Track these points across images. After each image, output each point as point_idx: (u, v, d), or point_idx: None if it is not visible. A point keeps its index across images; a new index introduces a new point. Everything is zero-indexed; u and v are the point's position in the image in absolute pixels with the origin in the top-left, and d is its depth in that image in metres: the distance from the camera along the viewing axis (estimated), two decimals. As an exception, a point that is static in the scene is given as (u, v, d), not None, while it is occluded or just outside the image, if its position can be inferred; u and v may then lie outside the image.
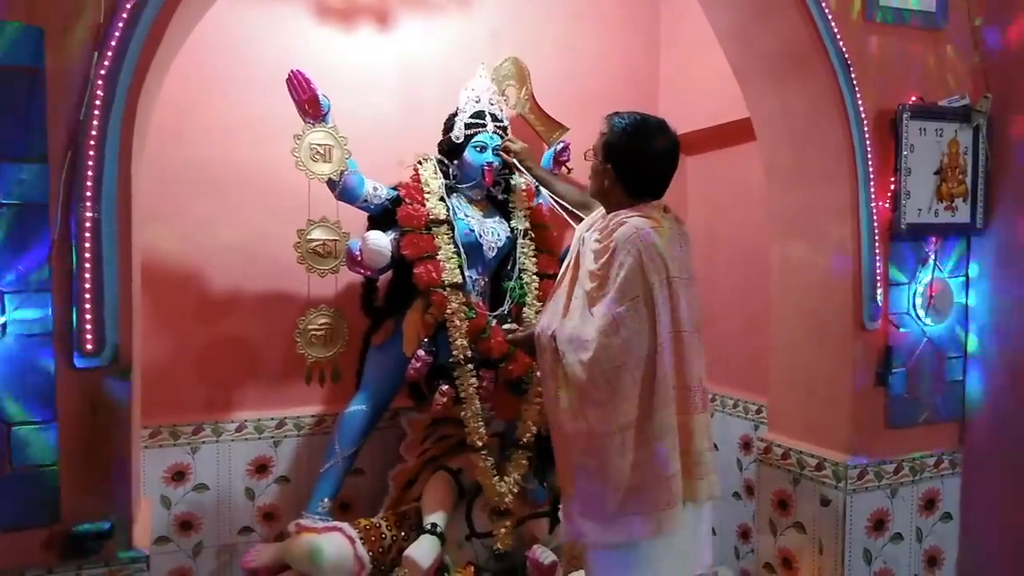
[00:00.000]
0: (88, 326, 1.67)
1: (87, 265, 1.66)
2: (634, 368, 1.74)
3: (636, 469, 1.74)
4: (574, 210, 2.49)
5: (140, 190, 1.99)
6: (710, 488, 1.85)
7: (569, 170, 2.95)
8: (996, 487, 2.49)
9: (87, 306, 1.67)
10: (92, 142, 1.66)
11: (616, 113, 1.95)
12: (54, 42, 1.65)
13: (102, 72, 1.67)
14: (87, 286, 1.66)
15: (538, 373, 2.55)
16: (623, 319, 1.74)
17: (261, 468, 2.81)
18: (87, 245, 1.66)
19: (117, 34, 1.68)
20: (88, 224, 1.66)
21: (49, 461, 1.68)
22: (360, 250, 2.49)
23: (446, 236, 2.57)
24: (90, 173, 1.66)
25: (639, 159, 1.90)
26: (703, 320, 1.94)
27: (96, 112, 1.66)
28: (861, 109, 2.34)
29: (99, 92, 1.66)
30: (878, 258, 2.38)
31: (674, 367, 1.79)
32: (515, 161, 2.66)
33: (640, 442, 1.74)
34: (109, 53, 1.67)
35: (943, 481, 2.53)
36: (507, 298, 2.69)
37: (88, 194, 1.66)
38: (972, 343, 2.55)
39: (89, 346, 1.68)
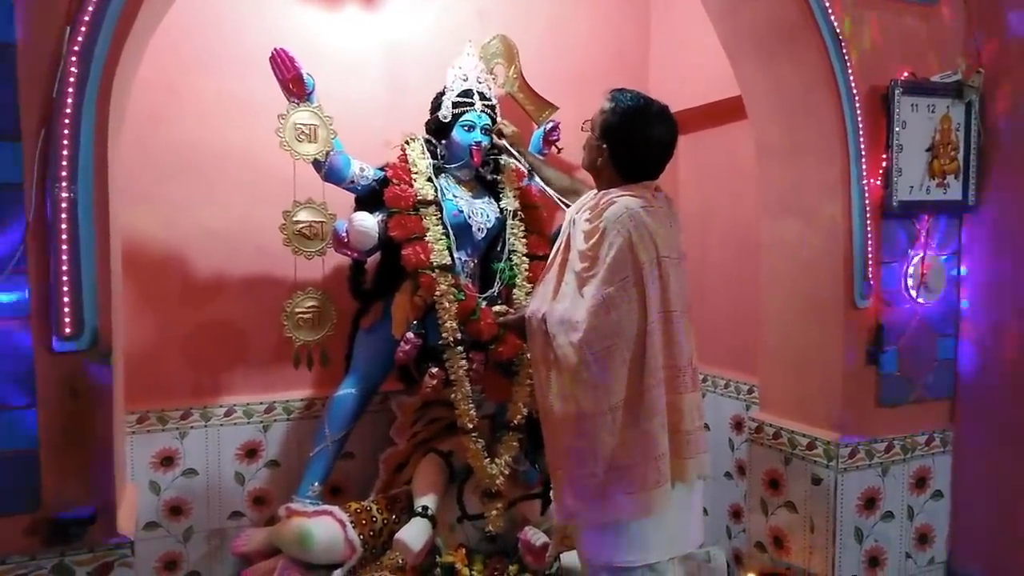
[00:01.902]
0: (66, 309, 1.64)
1: (64, 247, 1.63)
2: (624, 348, 1.74)
3: (625, 448, 1.73)
4: (563, 196, 2.47)
5: (122, 172, 1.96)
6: (699, 467, 1.85)
7: (559, 149, 2.92)
8: (987, 465, 2.49)
9: (64, 288, 1.63)
10: (66, 120, 1.62)
11: (620, 90, 1.91)
12: (25, 15, 1.60)
13: (76, 48, 1.62)
14: (64, 268, 1.63)
15: (529, 356, 2.55)
16: (613, 299, 1.73)
17: (251, 453, 2.80)
18: (63, 226, 1.62)
19: (91, 8, 1.63)
20: (64, 204, 1.62)
21: (30, 446, 1.65)
22: (347, 232, 2.46)
23: (434, 217, 2.54)
24: (65, 152, 1.62)
25: (636, 145, 1.88)
26: (692, 299, 1.93)
27: (70, 89, 1.62)
28: (853, 85, 2.31)
29: (73, 68, 1.62)
30: (869, 236, 2.36)
31: (663, 347, 1.78)
32: (506, 144, 2.63)
33: (629, 422, 1.74)
34: (83, 28, 1.63)
35: (934, 459, 2.53)
36: (497, 279, 2.66)
37: (63, 173, 1.62)
38: (963, 321, 2.54)
39: (67, 329, 1.64)
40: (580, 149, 2.02)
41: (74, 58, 1.63)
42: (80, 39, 1.63)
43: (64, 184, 1.62)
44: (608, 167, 1.90)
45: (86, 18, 1.63)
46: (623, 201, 1.80)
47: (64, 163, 1.62)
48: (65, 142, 1.62)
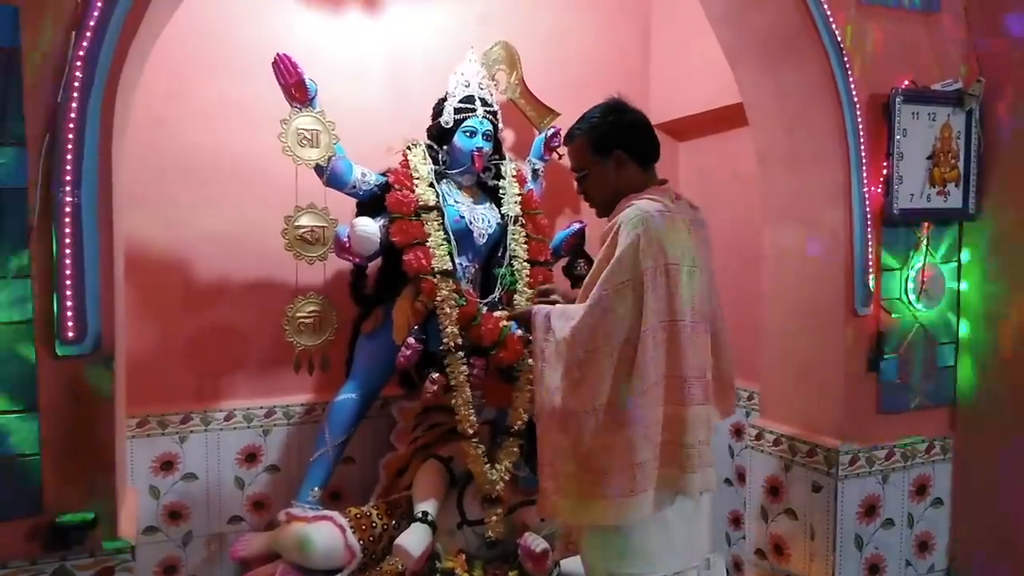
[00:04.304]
0: (69, 313, 1.63)
1: (67, 251, 1.63)
2: (612, 351, 1.71)
3: (605, 453, 1.71)
4: None
5: (124, 177, 1.96)
6: (705, 482, 1.81)
7: (560, 156, 2.93)
8: (987, 472, 2.49)
9: (68, 293, 1.63)
10: (71, 125, 1.62)
11: (578, 121, 1.92)
12: (30, 21, 1.61)
13: (80, 53, 1.62)
14: (67, 272, 1.63)
15: (530, 360, 2.54)
16: (609, 300, 1.72)
17: (251, 457, 2.80)
18: (67, 231, 1.62)
19: (96, 13, 1.63)
20: (68, 209, 1.62)
21: (31, 451, 1.65)
22: (348, 237, 2.46)
23: (436, 222, 2.54)
24: (69, 157, 1.62)
25: (634, 127, 1.89)
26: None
27: (75, 94, 1.62)
28: (854, 93, 2.32)
29: (77, 73, 1.62)
30: (870, 243, 2.36)
31: (665, 356, 1.75)
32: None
33: (611, 426, 1.71)
34: (88, 33, 1.63)
35: (934, 467, 2.53)
36: (498, 285, 2.67)
37: (67, 178, 1.62)
38: (963, 329, 2.55)
39: (70, 334, 1.64)
40: (584, 198, 1.97)
41: (79, 63, 1.63)
42: (85, 44, 1.63)
43: (68, 189, 1.62)
44: (629, 169, 1.87)
45: (91, 23, 1.63)
46: (640, 204, 1.78)
47: (68, 168, 1.62)
48: (69, 147, 1.62)
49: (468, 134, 2.63)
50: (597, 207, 1.96)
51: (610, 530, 1.77)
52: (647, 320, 1.72)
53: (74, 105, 1.62)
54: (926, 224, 2.48)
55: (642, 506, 1.71)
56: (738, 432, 3.00)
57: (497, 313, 2.57)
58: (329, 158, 2.42)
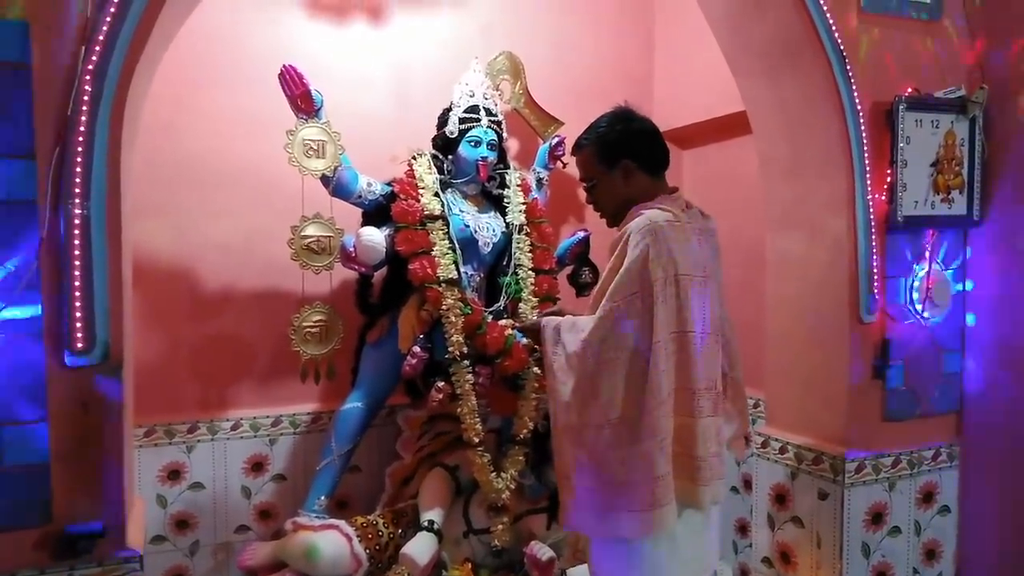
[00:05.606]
0: (78, 324, 1.65)
1: (76, 263, 1.64)
2: (624, 364, 1.70)
3: (624, 466, 1.70)
4: None
5: (131, 186, 1.98)
6: (715, 494, 1.80)
7: (564, 164, 2.94)
8: (994, 479, 2.48)
9: (77, 304, 1.64)
10: (80, 138, 1.64)
11: (586, 131, 1.91)
12: (40, 36, 1.63)
13: (90, 67, 1.65)
14: (77, 284, 1.64)
15: (535, 369, 2.55)
16: (619, 312, 1.70)
17: (257, 466, 2.80)
18: (76, 242, 1.64)
19: (104, 28, 1.66)
20: (77, 221, 1.64)
21: (40, 461, 1.66)
22: (354, 246, 2.48)
23: (441, 232, 2.55)
24: (79, 169, 1.64)
25: (643, 135, 1.87)
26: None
27: (84, 108, 1.64)
28: (857, 101, 2.32)
29: (87, 87, 1.64)
30: (875, 251, 2.36)
31: (676, 368, 1.74)
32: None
33: (629, 440, 1.70)
34: (97, 48, 1.65)
35: (941, 474, 2.52)
36: (503, 294, 2.67)
37: (77, 191, 1.64)
38: (969, 336, 2.54)
39: (79, 344, 1.65)
40: (595, 208, 1.95)
41: (88, 77, 1.65)
42: (94, 58, 1.65)
43: (77, 201, 1.64)
44: (638, 178, 1.86)
45: (100, 37, 1.66)
46: (649, 214, 1.76)
47: (78, 180, 1.64)
48: (79, 160, 1.64)
49: (473, 144, 2.64)
50: (607, 217, 1.93)
51: (619, 541, 1.76)
52: (658, 332, 1.70)
53: (83, 118, 1.64)
54: (931, 231, 2.48)
55: (664, 520, 1.70)
56: (744, 440, 2.99)
57: (503, 322, 2.57)
58: (335, 168, 2.43)
